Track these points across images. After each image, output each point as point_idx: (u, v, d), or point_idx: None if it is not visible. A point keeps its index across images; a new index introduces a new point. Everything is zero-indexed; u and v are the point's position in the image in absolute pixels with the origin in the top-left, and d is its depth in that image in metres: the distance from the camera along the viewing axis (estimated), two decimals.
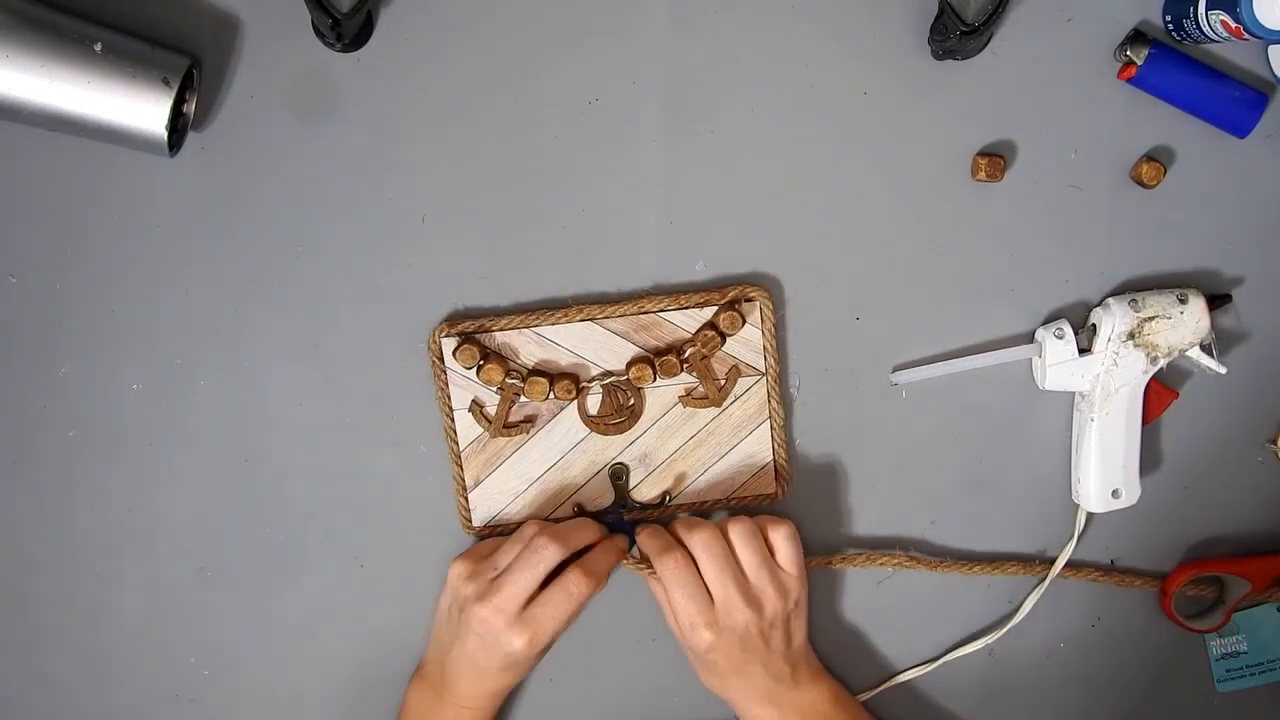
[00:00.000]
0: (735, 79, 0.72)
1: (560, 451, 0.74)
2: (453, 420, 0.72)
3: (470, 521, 0.74)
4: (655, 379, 0.72)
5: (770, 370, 0.73)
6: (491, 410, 0.72)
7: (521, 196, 0.72)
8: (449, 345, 0.71)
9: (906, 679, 0.78)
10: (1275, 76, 0.73)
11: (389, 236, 0.72)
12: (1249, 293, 0.76)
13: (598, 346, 0.72)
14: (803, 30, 0.72)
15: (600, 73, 0.72)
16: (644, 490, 0.74)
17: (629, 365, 0.72)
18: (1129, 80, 0.73)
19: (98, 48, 0.64)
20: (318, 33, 0.69)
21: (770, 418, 0.74)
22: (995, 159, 0.73)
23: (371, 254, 0.72)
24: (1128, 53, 0.72)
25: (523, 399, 0.72)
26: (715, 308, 0.72)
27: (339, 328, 0.72)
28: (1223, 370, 0.75)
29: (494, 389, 0.72)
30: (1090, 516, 0.76)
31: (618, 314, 0.72)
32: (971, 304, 0.75)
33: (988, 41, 0.73)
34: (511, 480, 0.74)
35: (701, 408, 0.73)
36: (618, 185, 0.73)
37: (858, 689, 0.77)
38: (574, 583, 0.68)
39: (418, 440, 0.74)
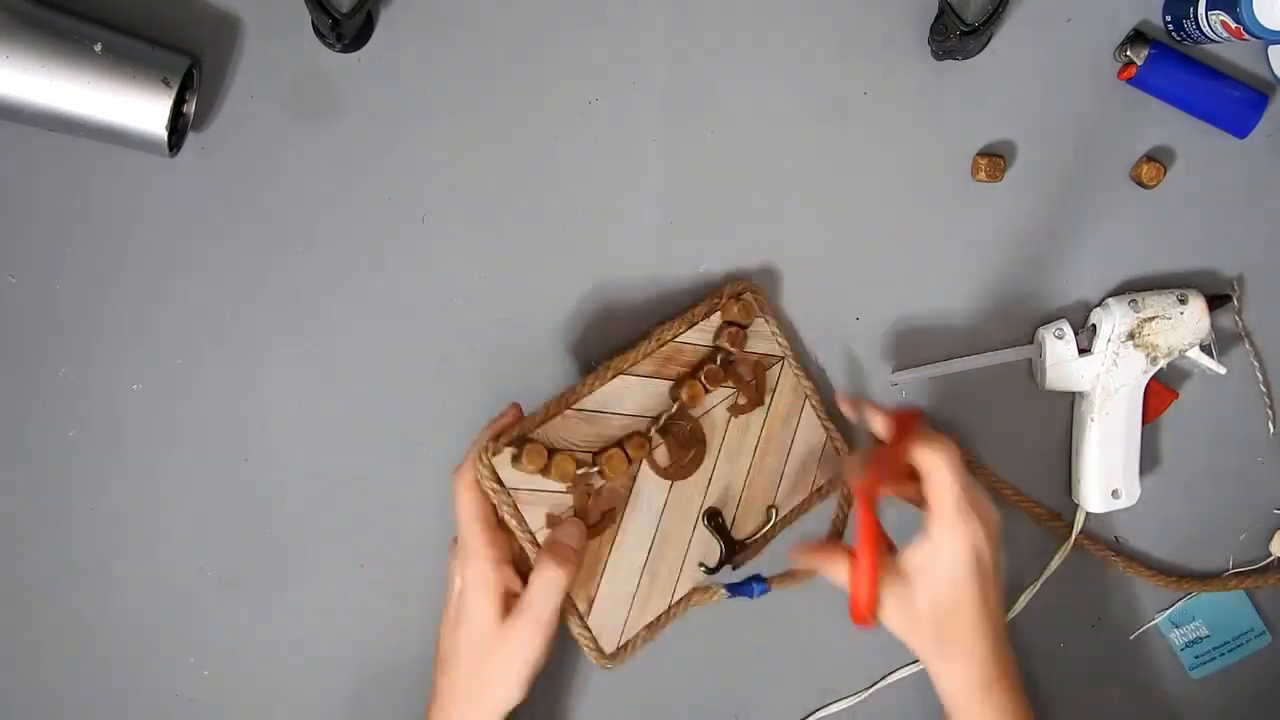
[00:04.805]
0: (735, 79, 0.72)
1: (651, 525, 0.69)
2: (539, 545, 0.65)
3: (604, 652, 0.68)
4: (705, 391, 0.70)
5: (789, 352, 0.73)
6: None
7: (521, 196, 0.72)
8: (503, 461, 0.65)
9: (903, 676, 0.78)
10: (1275, 76, 0.73)
11: (389, 236, 0.72)
12: (1249, 293, 0.76)
13: (638, 396, 0.69)
14: (803, 30, 0.72)
15: (600, 73, 0.72)
16: (741, 524, 0.72)
17: (674, 388, 0.70)
18: (1129, 80, 0.73)
19: (98, 48, 0.64)
20: (318, 33, 0.69)
21: (807, 397, 0.73)
22: (995, 159, 0.73)
23: (371, 253, 0.72)
24: (1128, 53, 0.72)
25: (598, 483, 0.68)
26: (719, 311, 0.71)
27: (339, 327, 0.72)
28: (1223, 370, 0.75)
29: (566, 486, 0.66)
30: (1089, 516, 0.76)
31: (642, 357, 0.69)
32: (971, 304, 0.75)
33: (988, 41, 0.73)
34: (622, 581, 0.69)
35: (749, 411, 0.72)
36: (618, 185, 0.73)
37: (854, 687, 0.77)
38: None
39: (418, 440, 0.74)
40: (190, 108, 0.68)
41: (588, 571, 0.67)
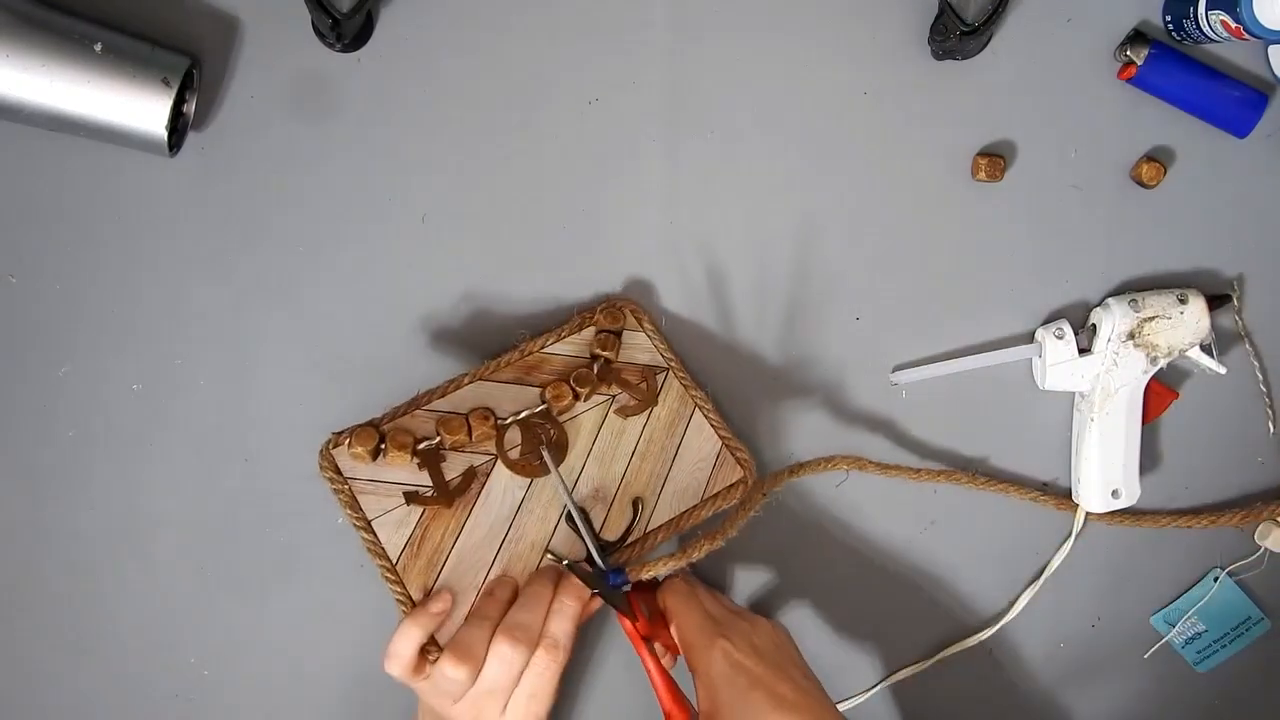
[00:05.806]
0: (735, 80, 0.72)
1: (504, 522, 0.68)
2: (374, 534, 0.67)
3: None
4: (574, 395, 0.70)
5: (672, 363, 0.72)
6: (428, 491, 0.68)
7: (521, 196, 0.72)
8: (342, 455, 0.67)
9: (904, 677, 0.78)
10: (1275, 76, 0.73)
11: (389, 236, 0.72)
12: (1249, 293, 0.76)
13: (497, 400, 0.70)
14: (803, 31, 0.72)
15: (600, 73, 0.72)
16: (612, 526, 0.70)
17: (543, 388, 0.70)
18: (1129, 80, 0.73)
19: (98, 48, 0.64)
20: (318, 33, 0.69)
21: (697, 406, 0.72)
22: (995, 159, 0.73)
23: (371, 253, 0.72)
24: (1128, 53, 0.72)
25: (445, 450, 0.68)
26: (593, 328, 0.71)
27: (339, 327, 0.72)
28: (1223, 370, 0.75)
29: (415, 467, 0.67)
30: (1089, 516, 0.76)
31: (505, 365, 0.71)
32: (971, 304, 0.75)
33: (988, 41, 0.73)
34: (466, 574, 0.67)
35: (639, 411, 0.71)
36: (618, 185, 0.73)
37: (856, 688, 0.77)
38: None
39: None
40: (190, 108, 0.68)
41: (427, 562, 0.67)
